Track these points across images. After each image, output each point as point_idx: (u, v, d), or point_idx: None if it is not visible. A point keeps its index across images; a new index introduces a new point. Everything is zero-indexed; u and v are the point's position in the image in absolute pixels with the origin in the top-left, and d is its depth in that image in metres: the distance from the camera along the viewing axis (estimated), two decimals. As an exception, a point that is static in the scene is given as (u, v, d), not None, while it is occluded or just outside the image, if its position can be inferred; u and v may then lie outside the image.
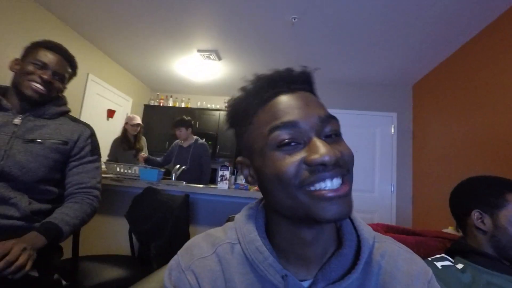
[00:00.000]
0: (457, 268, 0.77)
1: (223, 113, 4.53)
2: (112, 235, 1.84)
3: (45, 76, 0.98)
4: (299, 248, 0.40)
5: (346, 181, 0.37)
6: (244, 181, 2.10)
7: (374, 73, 3.29)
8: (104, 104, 3.62)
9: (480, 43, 2.26)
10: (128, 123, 2.80)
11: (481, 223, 0.82)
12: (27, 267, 0.76)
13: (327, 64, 3.16)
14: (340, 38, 2.60)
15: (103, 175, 1.72)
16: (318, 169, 0.35)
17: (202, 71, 3.71)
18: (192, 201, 1.82)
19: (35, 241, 0.84)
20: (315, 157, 0.35)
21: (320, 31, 2.53)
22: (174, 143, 2.90)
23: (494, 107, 2.04)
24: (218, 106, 4.61)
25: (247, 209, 0.47)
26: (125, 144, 2.79)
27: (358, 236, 0.43)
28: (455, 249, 0.85)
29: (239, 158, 0.45)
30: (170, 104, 4.72)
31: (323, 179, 0.35)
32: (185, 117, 2.76)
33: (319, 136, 0.37)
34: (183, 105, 4.70)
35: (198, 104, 4.67)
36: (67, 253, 1.10)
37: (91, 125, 1.17)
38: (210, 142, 4.04)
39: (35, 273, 0.87)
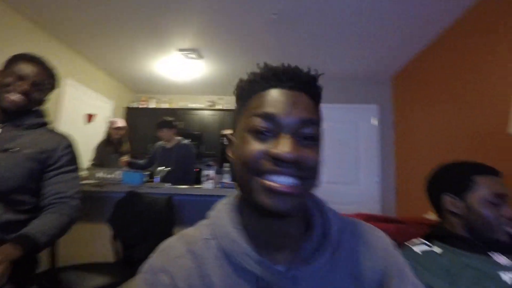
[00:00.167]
0: (436, 253, 0.79)
1: (207, 113, 4.49)
2: (93, 242, 1.80)
3: (23, 87, 0.98)
4: (270, 236, 0.42)
5: (302, 185, 0.38)
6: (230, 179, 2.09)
7: (353, 66, 3.34)
8: (83, 108, 3.50)
9: (457, 33, 2.31)
10: (110, 126, 2.81)
11: (453, 206, 0.84)
12: (3, 280, 0.74)
13: (306, 60, 3.18)
14: (319, 33, 2.62)
15: (84, 181, 1.68)
16: (276, 163, 0.37)
17: (184, 70, 3.66)
18: (177, 202, 1.79)
19: (10, 252, 0.81)
20: (275, 150, 0.37)
21: (298, 27, 2.54)
22: (156, 144, 2.86)
23: (473, 96, 2.10)
24: (201, 106, 4.56)
25: (222, 204, 0.49)
26: (110, 147, 2.79)
27: (326, 221, 0.45)
28: (433, 234, 0.87)
29: (228, 133, 0.49)
30: (153, 106, 4.62)
31: (276, 173, 0.37)
32: (168, 118, 2.75)
33: (293, 135, 0.38)
34: (166, 105, 4.62)
35: (181, 104, 4.61)
36: (46, 264, 1.06)
37: (70, 130, 1.17)
38: (195, 142, 3.99)
39: (11, 286, 0.84)
